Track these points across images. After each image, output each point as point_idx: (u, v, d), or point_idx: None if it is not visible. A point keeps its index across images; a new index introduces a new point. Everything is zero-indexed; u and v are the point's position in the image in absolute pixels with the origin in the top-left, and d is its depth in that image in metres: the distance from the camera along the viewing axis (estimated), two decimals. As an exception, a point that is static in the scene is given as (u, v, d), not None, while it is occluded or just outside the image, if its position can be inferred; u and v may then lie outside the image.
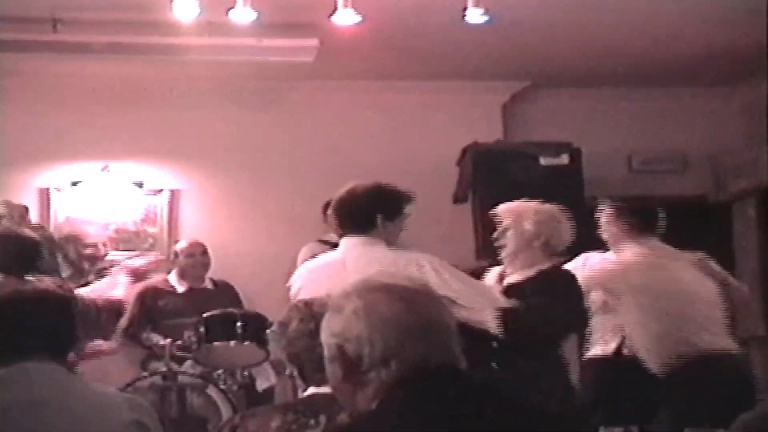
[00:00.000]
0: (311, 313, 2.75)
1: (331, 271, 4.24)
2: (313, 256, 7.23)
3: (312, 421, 2.57)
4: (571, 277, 4.48)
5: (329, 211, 7.23)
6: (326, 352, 2.18)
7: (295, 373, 2.82)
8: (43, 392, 2.86)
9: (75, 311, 3.15)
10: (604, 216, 5.12)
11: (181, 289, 6.93)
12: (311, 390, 2.76)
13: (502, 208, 4.62)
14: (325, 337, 2.18)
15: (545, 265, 4.44)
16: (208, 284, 7.06)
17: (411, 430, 2.04)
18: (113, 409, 2.89)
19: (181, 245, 7.11)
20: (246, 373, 6.19)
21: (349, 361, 2.12)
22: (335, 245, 7.16)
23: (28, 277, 4.82)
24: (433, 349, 2.10)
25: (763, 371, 7.51)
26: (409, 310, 2.11)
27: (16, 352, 2.94)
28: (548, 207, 4.54)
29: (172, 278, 6.98)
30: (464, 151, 7.41)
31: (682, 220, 7.67)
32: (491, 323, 4.12)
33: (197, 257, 6.99)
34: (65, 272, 6.45)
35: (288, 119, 7.86)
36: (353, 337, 2.11)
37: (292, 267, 7.24)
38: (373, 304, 2.12)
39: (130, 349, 6.64)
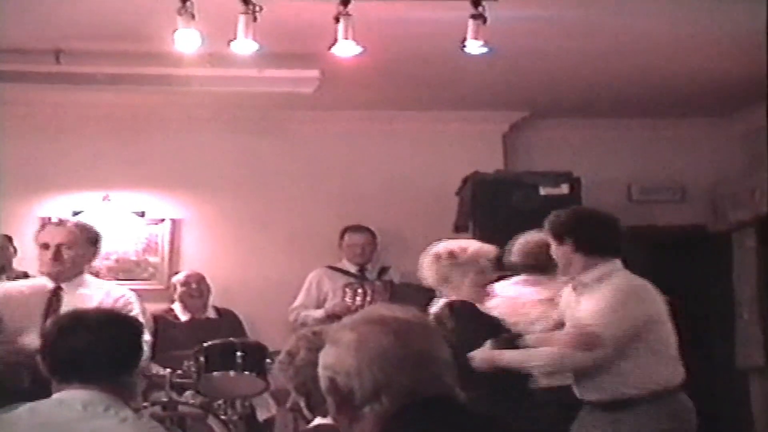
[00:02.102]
0: (319, 342, 2.76)
1: None
2: (321, 281, 7.31)
3: None
4: None
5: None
6: (321, 385, 2.18)
7: (302, 404, 2.83)
8: (79, 423, 2.85)
9: (141, 336, 3.13)
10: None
11: (183, 318, 6.96)
12: (317, 421, 2.76)
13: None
14: (320, 370, 2.19)
15: None
16: (211, 313, 7.08)
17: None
18: None
19: (178, 277, 7.16)
20: (246, 403, 6.18)
21: (341, 395, 2.13)
22: (346, 272, 7.25)
23: None
24: (423, 382, 2.10)
25: (764, 401, 7.51)
26: (398, 342, 2.10)
27: (62, 375, 2.94)
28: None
29: (177, 308, 7.02)
30: (464, 181, 7.43)
31: (682, 250, 7.74)
32: None
33: (192, 287, 7.02)
34: None
35: (289, 149, 7.89)
36: (344, 370, 2.12)
37: (295, 294, 7.32)
38: (364, 337, 2.12)
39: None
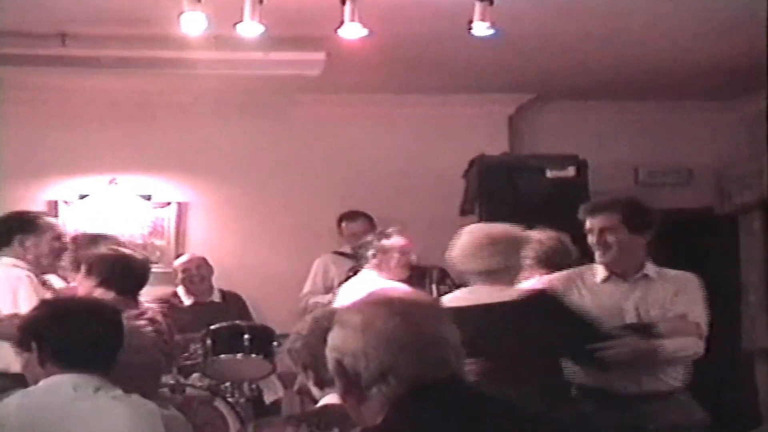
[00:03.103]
0: (329, 320, 2.78)
1: None
2: (327, 267, 7.32)
3: None
4: None
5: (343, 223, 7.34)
6: (329, 366, 2.19)
7: (310, 382, 2.83)
8: (73, 403, 2.89)
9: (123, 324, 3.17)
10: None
11: (188, 302, 6.96)
12: (325, 400, 2.77)
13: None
14: (327, 351, 2.19)
15: None
16: (216, 296, 7.09)
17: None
18: (141, 424, 2.91)
19: (180, 260, 7.16)
20: (253, 385, 6.20)
21: (347, 376, 2.13)
22: (350, 256, 7.25)
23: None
24: (430, 364, 2.10)
25: (769, 383, 7.52)
26: (404, 324, 2.10)
27: (62, 361, 2.97)
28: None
29: (180, 292, 7.02)
30: (471, 164, 7.42)
31: (688, 233, 7.73)
32: None
33: (192, 272, 7.02)
34: None
35: (295, 132, 7.88)
36: (350, 351, 2.12)
37: (302, 278, 7.33)
38: (370, 318, 2.13)
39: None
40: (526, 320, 3.99)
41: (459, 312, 3.36)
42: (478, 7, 5.22)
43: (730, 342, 7.64)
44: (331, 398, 2.71)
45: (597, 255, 4.40)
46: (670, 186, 8.29)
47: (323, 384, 2.77)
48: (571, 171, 7.22)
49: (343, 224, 7.42)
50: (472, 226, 4.43)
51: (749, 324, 7.66)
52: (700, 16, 6.06)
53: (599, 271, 4.41)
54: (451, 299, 4.12)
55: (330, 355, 2.17)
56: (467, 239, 4.23)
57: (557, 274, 4.56)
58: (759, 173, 7.61)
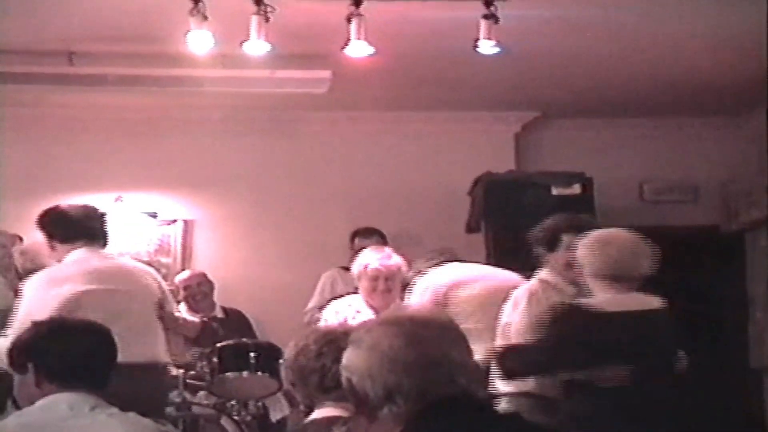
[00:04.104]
0: (328, 337, 2.80)
1: None
2: (334, 281, 7.31)
3: None
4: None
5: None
6: (344, 385, 2.22)
7: (299, 396, 2.88)
8: (68, 421, 2.89)
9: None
10: None
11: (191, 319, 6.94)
12: (314, 415, 2.80)
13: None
14: (342, 370, 2.22)
15: None
16: (219, 313, 7.08)
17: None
18: None
19: (180, 277, 7.16)
20: (259, 403, 6.19)
21: (357, 396, 2.16)
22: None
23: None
24: (435, 383, 2.11)
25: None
26: (408, 344, 2.12)
27: (58, 380, 2.98)
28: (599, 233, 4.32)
29: (183, 308, 7.00)
30: (476, 181, 7.43)
31: (695, 250, 7.72)
32: None
33: (194, 288, 7.02)
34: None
35: (301, 149, 7.90)
36: (357, 371, 2.15)
37: (308, 295, 7.32)
38: (377, 339, 2.15)
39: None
40: (670, 328, 4.14)
41: (617, 317, 3.80)
42: (483, 25, 5.23)
43: (738, 359, 7.63)
44: (321, 413, 2.73)
45: None
46: (676, 203, 8.29)
47: (311, 399, 2.81)
48: (576, 188, 7.22)
49: (356, 240, 7.39)
50: (609, 232, 4.26)
51: (756, 341, 7.64)
52: (705, 33, 6.07)
53: None
54: (601, 303, 4.07)
55: (343, 374, 2.21)
56: (623, 244, 4.16)
57: None
58: (765, 190, 7.60)
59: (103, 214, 5.21)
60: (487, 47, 5.30)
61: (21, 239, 6.86)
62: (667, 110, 7.92)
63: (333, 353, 2.64)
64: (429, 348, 2.13)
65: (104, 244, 5.12)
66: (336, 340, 2.74)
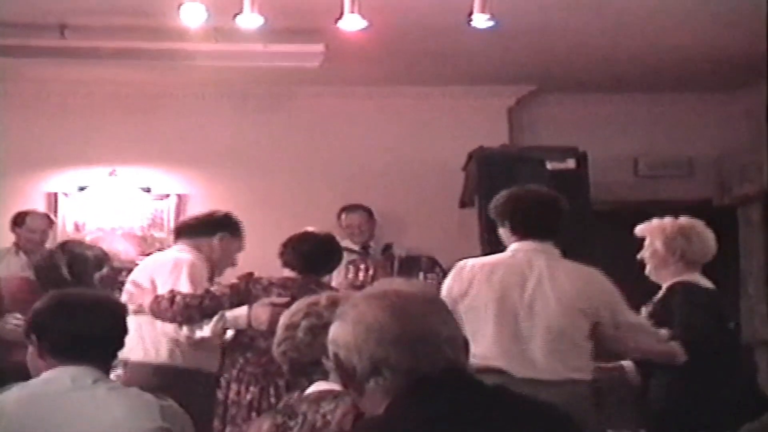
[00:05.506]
0: (317, 310, 2.81)
1: None
2: None
3: (292, 422, 2.66)
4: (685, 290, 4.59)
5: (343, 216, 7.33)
6: (331, 359, 2.23)
7: (285, 370, 2.89)
8: (69, 393, 2.90)
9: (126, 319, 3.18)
10: None
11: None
12: (308, 390, 2.82)
13: (639, 228, 4.75)
14: (328, 344, 2.22)
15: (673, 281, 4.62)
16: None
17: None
18: (139, 414, 2.92)
19: None
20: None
21: (345, 369, 2.16)
22: (349, 250, 7.24)
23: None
24: (423, 357, 2.11)
25: (769, 375, 7.51)
26: (394, 318, 2.12)
27: (60, 354, 2.98)
28: (680, 222, 4.75)
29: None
30: (470, 156, 7.42)
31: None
32: None
33: None
34: None
35: (294, 124, 7.88)
36: (344, 345, 2.15)
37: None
38: (363, 312, 2.15)
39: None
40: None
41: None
42: (477, -1, 5.21)
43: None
44: (315, 387, 2.74)
45: None
46: (670, 178, 8.29)
47: (296, 374, 2.82)
48: (571, 163, 7.21)
49: (343, 216, 7.44)
50: (695, 221, 4.84)
51: (749, 316, 7.66)
52: (700, 7, 6.06)
53: None
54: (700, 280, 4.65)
55: (330, 348, 2.20)
56: (705, 229, 4.79)
57: None
58: (759, 165, 7.60)
59: None
60: (481, 21, 5.27)
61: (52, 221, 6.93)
62: (662, 85, 7.91)
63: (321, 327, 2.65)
64: (415, 321, 2.13)
65: None
66: (321, 312, 2.77)
